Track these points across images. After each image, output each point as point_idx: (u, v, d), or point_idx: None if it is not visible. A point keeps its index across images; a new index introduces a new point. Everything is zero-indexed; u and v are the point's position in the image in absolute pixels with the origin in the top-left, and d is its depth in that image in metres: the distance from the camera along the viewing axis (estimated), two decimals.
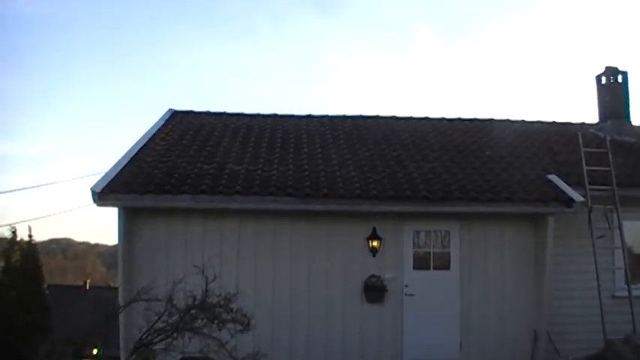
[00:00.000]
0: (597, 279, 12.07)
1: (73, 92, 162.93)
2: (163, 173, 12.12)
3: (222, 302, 8.40)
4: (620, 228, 12.68)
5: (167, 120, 16.00)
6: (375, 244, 12.04)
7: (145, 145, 13.71)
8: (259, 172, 12.46)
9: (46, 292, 15.71)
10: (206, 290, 8.43)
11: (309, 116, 17.20)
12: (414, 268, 12.37)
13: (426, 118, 17.49)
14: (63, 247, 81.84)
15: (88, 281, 46.09)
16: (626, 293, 12.34)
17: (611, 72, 16.83)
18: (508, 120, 17.73)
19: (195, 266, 8.82)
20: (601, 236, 12.45)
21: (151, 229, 11.87)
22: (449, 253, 12.55)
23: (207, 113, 17.11)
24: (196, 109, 17.28)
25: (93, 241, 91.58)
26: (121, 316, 10.40)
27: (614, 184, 12.77)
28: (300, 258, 12.00)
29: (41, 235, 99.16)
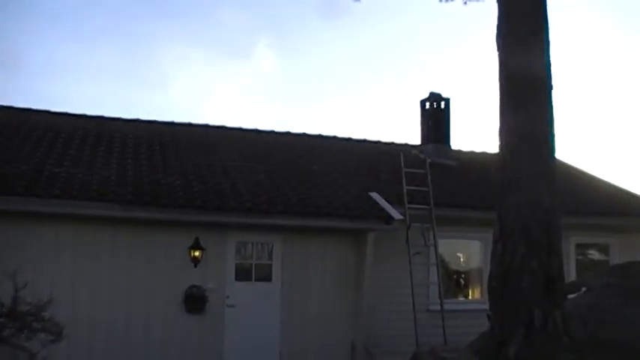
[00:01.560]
0: (412, 293, 12.60)
1: None
2: None
3: (33, 310, 8.02)
4: (435, 246, 13.33)
5: None
6: (196, 254, 11.89)
7: None
8: (80, 175, 11.98)
9: None
10: (16, 297, 8.00)
11: (136, 120, 16.67)
12: (236, 279, 12.34)
13: (255, 130, 17.46)
14: None
15: None
16: (439, 307, 12.98)
17: (435, 98, 17.64)
18: (335, 137, 18.08)
19: (4, 272, 8.36)
20: (417, 253, 13.00)
21: None
22: (271, 265, 12.64)
23: (29, 110, 16.23)
24: (18, 104, 16.36)
25: None
26: None
27: (432, 204, 13.37)
28: (120, 266, 11.61)
29: None
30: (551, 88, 8.35)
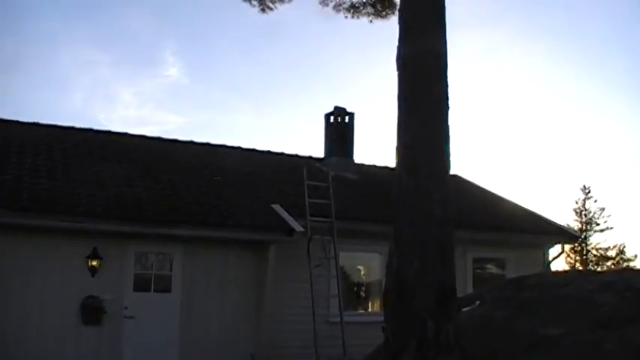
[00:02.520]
0: (312, 305, 12.69)
1: None
2: None
3: None
4: (336, 258, 13.45)
5: None
6: (94, 263, 11.64)
7: None
8: None
9: None
10: None
11: (35, 124, 16.15)
12: (135, 289, 12.14)
13: (159, 139, 17.28)
14: None
15: None
16: (339, 319, 13.10)
17: (339, 112, 17.81)
18: (240, 148, 18.04)
19: None
20: (318, 265, 13.07)
21: None
22: (171, 276, 12.51)
23: None
24: None
25: None
26: None
27: (333, 216, 13.50)
28: (11, 276, 11.19)
29: None
30: (447, 84, 8.59)
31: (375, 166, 19.12)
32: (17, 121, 15.93)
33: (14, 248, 11.29)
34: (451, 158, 8.36)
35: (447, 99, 8.58)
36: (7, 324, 11.07)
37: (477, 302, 11.01)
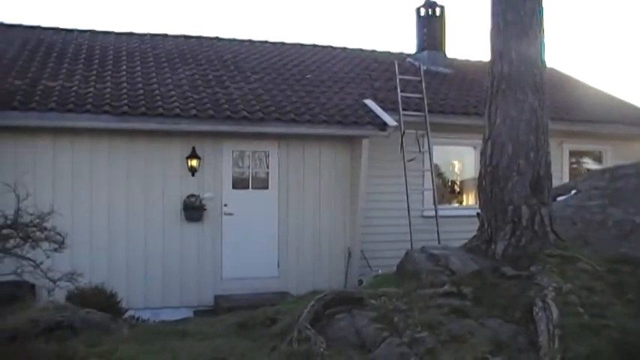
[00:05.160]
0: (407, 199, 12.79)
1: None
2: None
3: (35, 221, 8.14)
4: (429, 152, 13.43)
5: None
6: (193, 163, 12.04)
7: None
8: (75, 88, 12.03)
9: None
10: (18, 209, 8.12)
11: (129, 34, 16.66)
12: (233, 187, 12.50)
13: (249, 41, 17.51)
14: None
15: None
16: (434, 213, 13.20)
17: (430, 5, 17.52)
18: (330, 46, 18.08)
19: (6, 184, 8.49)
20: (412, 159, 13.10)
21: None
22: (267, 173, 12.80)
23: (20, 26, 16.18)
24: (6, 20, 16.31)
25: None
26: None
27: (426, 110, 13.43)
28: (118, 177, 11.77)
29: None
30: None
31: (467, 60, 18.78)
32: (112, 32, 16.46)
33: (112, 149, 11.85)
34: (545, 46, 8.11)
35: None
36: (114, 221, 11.75)
37: (573, 191, 10.88)
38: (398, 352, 5.61)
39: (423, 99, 13.53)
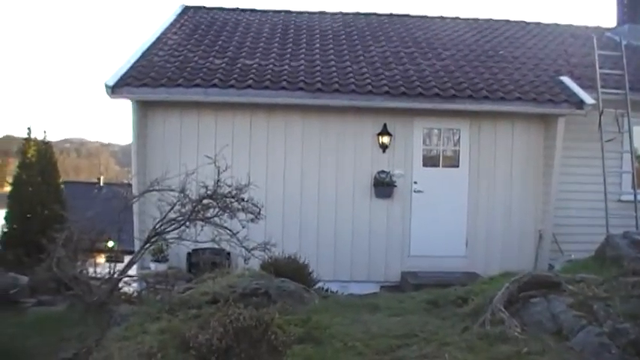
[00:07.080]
0: (604, 182, 12.15)
1: None
2: (175, 67, 12.16)
3: (233, 192, 8.51)
4: (630, 132, 12.62)
5: (179, 15, 15.95)
6: (385, 140, 12.12)
7: (156, 40, 13.70)
8: (271, 66, 12.46)
9: (62, 187, 15.79)
10: (218, 180, 8.52)
11: (321, 13, 17.05)
12: (424, 165, 12.47)
13: (440, 17, 17.34)
14: (76, 145, 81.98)
15: (102, 177, 46.29)
16: (632, 197, 12.46)
17: None
18: (523, 22, 17.51)
19: (207, 156, 8.93)
20: (610, 139, 12.45)
21: (164, 123, 12.03)
22: (458, 151, 12.64)
23: (219, 9, 16.97)
24: (208, 4, 17.15)
25: (106, 141, 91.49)
26: (135, 207, 10.53)
27: (627, 88, 12.67)
28: (310, 152, 12.16)
29: (55, 135, 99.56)
30: None
31: None
32: (305, 12, 16.94)
33: (306, 124, 12.22)
34: None
35: None
36: (306, 194, 12.15)
37: None
38: (597, 342, 5.42)
39: (623, 75, 12.78)
